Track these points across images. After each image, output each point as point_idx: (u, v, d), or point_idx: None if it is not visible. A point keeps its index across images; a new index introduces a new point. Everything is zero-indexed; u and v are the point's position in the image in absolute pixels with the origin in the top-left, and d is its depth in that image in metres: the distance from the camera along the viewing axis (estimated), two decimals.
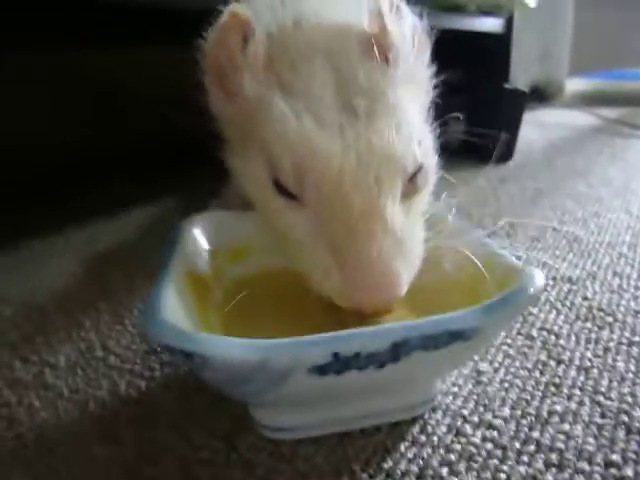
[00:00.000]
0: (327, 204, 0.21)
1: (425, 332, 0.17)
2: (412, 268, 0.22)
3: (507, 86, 0.70)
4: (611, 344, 0.28)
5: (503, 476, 0.19)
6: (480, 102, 0.72)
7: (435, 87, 0.30)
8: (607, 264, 0.38)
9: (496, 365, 0.26)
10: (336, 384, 0.18)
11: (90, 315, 0.35)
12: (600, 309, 0.32)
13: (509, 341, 0.29)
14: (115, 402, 0.26)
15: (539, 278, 0.19)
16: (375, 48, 0.24)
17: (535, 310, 0.32)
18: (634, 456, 0.20)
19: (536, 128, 1.03)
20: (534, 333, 0.29)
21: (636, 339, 0.28)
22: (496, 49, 1.04)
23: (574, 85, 1.50)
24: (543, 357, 0.27)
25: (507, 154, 0.72)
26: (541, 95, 1.42)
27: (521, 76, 1.21)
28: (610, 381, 0.25)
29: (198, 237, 0.27)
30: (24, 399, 0.26)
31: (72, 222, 0.53)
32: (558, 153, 0.79)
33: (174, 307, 0.19)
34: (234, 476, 0.20)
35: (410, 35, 0.26)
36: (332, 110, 0.22)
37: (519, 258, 0.23)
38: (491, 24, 0.98)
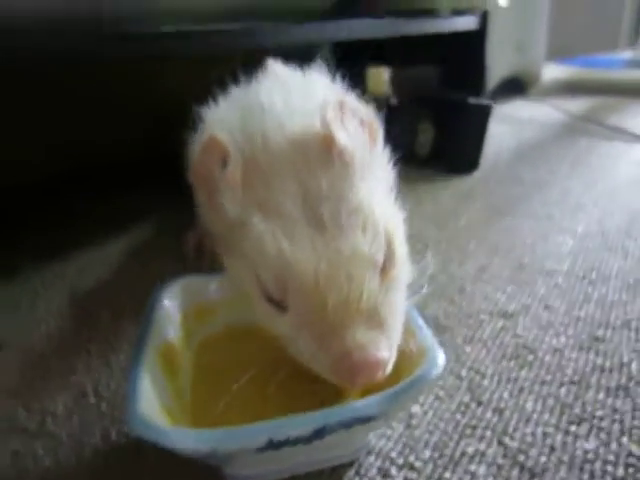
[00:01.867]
0: (307, 305, 0.25)
1: (338, 419, 0.21)
2: (393, 342, 0.25)
3: (471, 101, 0.73)
4: (526, 384, 0.33)
5: None
6: (448, 112, 0.76)
7: (393, 162, 0.33)
8: (541, 296, 0.43)
9: (426, 407, 0.31)
10: (276, 454, 0.22)
11: (82, 358, 0.39)
12: (525, 347, 0.37)
13: (441, 382, 0.33)
14: (107, 449, 0.31)
15: (441, 361, 0.24)
16: (330, 153, 0.28)
17: (468, 348, 0.37)
18: None
19: (506, 127, 1.06)
20: (463, 373, 0.34)
21: (548, 378, 0.33)
22: (472, 46, 1.07)
23: (550, 73, 1.53)
24: (466, 399, 0.32)
25: (473, 165, 0.76)
26: (519, 86, 1.45)
27: (497, 69, 1.24)
28: (517, 421, 0.30)
29: (169, 306, 0.32)
30: (29, 447, 0.31)
31: (60, 253, 0.57)
32: (524, 161, 0.83)
33: (148, 394, 0.24)
34: None
35: (360, 130, 0.30)
36: (302, 224, 0.26)
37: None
38: (465, 22, 1.01)
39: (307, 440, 0.22)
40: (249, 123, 0.30)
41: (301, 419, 0.21)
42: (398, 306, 0.27)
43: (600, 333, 0.38)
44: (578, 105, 1.23)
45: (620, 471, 0.26)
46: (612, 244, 0.52)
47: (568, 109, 1.17)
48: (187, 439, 0.21)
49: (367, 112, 0.31)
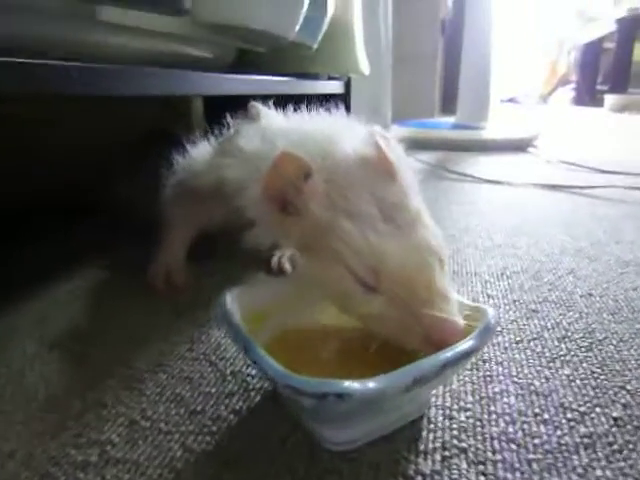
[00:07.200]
0: (401, 288, 0.31)
1: (455, 355, 0.28)
2: (460, 316, 0.32)
3: None
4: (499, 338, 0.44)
5: (464, 439, 0.32)
6: None
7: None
8: (481, 289, 0.55)
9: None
10: (401, 398, 0.28)
11: (109, 391, 0.38)
12: None
13: None
14: (190, 461, 0.31)
15: (497, 314, 0.33)
16: (388, 172, 0.34)
17: None
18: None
19: None
20: None
21: (519, 334, 0.45)
22: (339, 106, 1.25)
23: (396, 132, 1.83)
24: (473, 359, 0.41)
25: None
26: None
27: None
28: (508, 368, 0.40)
29: (231, 307, 0.34)
30: (102, 475, 0.30)
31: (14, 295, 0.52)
32: None
33: None
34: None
35: (404, 157, 0.38)
36: (382, 223, 0.32)
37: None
38: (334, 86, 1.19)
39: (432, 377, 0.28)
40: (317, 145, 0.35)
41: (433, 358, 0.28)
42: (451, 290, 0.34)
43: (534, 307, 0.51)
44: (426, 156, 1.50)
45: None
46: (506, 252, 0.68)
47: (421, 159, 1.43)
48: (353, 385, 0.25)
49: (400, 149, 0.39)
